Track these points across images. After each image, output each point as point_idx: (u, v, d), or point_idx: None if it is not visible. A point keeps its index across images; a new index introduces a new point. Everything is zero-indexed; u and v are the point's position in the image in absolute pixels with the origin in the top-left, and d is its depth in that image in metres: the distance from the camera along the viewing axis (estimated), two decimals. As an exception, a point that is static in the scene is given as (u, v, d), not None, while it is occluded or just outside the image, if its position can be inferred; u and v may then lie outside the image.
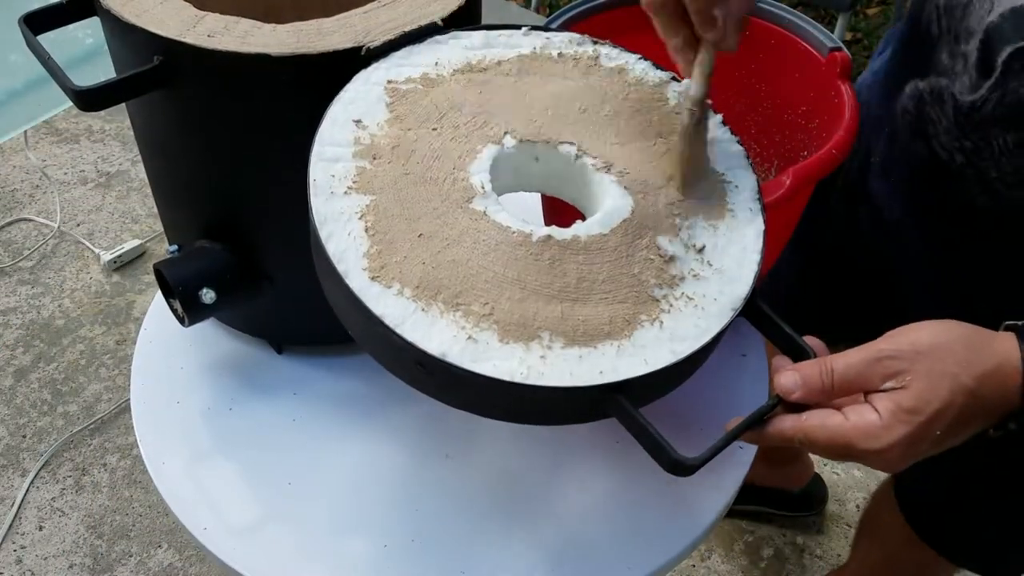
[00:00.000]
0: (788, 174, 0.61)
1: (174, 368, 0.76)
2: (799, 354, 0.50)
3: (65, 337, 1.71)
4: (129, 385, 0.75)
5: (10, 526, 1.41)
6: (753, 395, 0.74)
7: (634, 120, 0.58)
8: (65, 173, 2.08)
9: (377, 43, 0.58)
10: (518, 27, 0.62)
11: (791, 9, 0.77)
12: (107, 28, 0.62)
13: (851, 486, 1.48)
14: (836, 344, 0.51)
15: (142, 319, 0.80)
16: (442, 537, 0.64)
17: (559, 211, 0.66)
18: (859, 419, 0.46)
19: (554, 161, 0.56)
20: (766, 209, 0.55)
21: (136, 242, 1.86)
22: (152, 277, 1.74)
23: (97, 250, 1.85)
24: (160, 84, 0.59)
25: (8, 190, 2.02)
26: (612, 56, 0.62)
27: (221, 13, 0.59)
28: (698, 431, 0.62)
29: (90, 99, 0.58)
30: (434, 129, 0.55)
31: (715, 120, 0.59)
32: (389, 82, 0.57)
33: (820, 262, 0.92)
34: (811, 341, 0.51)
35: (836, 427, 0.46)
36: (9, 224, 1.94)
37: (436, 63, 0.59)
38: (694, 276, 0.51)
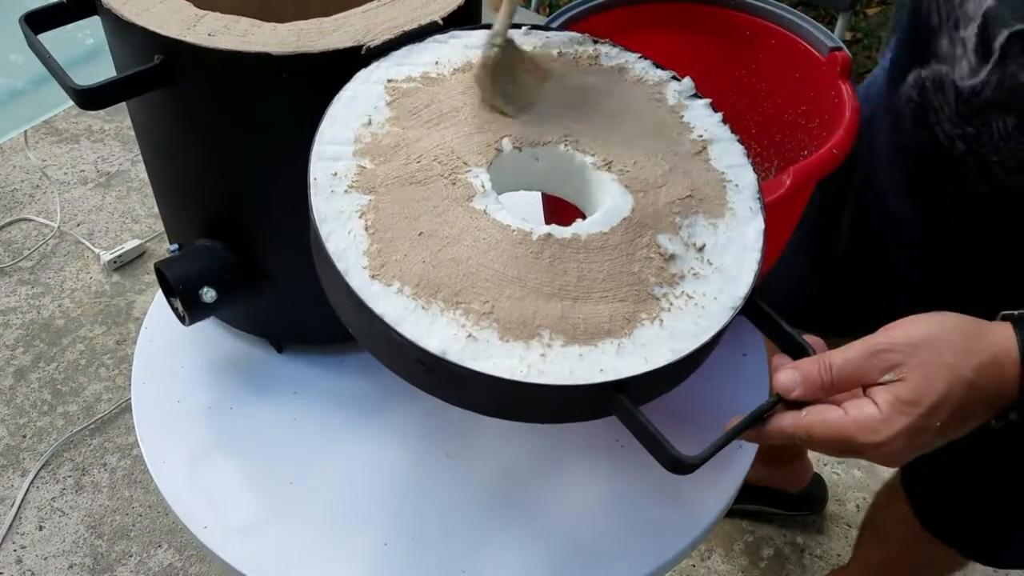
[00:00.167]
0: (788, 174, 0.62)
1: (175, 367, 0.76)
2: (799, 352, 0.50)
3: (65, 337, 1.71)
4: (129, 385, 0.75)
5: (10, 526, 1.41)
6: (753, 394, 0.74)
7: (634, 118, 0.58)
8: (65, 173, 2.08)
9: (377, 42, 0.58)
10: (518, 26, 0.62)
11: (791, 9, 0.77)
12: (107, 27, 0.62)
13: (851, 486, 1.48)
14: (839, 341, 0.51)
15: (142, 319, 0.80)
16: (443, 536, 0.64)
17: (559, 210, 0.66)
18: (858, 413, 0.46)
19: (554, 160, 0.56)
20: (766, 208, 0.55)
21: (136, 242, 1.86)
22: (152, 277, 1.74)
23: (97, 250, 1.85)
24: (160, 83, 0.59)
25: (8, 190, 2.02)
26: (612, 55, 0.62)
27: (221, 12, 0.59)
28: (698, 430, 0.62)
29: (91, 98, 0.58)
30: (434, 128, 0.55)
31: (715, 119, 0.59)
32: (389, 81, 0.57)
33: (823, 259, 0.92)
34: (811, 339, 0.51)
35: (835, 422, 0.46)
36: (9, 224, 1.94)
37: (436, 62, 0.59)
38: (694, 275, 0.51)
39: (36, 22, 0.63)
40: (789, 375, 0.48)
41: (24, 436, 1.54)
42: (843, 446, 0.47)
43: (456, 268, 0.49)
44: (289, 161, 0.55)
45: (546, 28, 0.63)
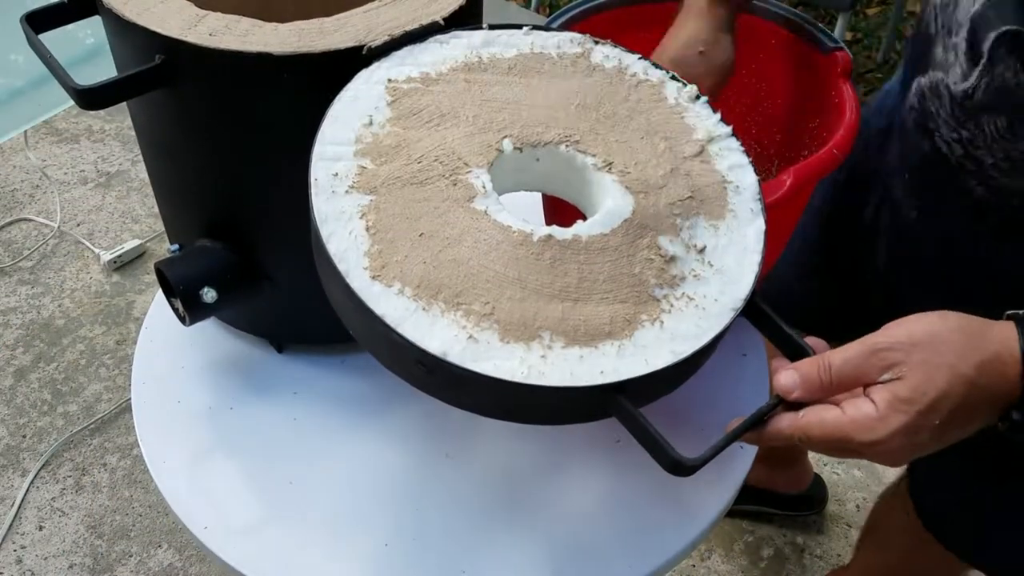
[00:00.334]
0: (788, 174, 0.62)
1: (175, 367, 0.76)
2: (799, 354, 0.50)
3: (65, 337, 1.71)
4: (129, 385, 0.75)
5: (10, 526, 1.41)
6: (753, 395, 0.74)
7: (634, 119, 0.58)
8: (65, 173, 2.08)
9: (378, 42, 0.58)
10: (519, 27, 0.62)
11: (791, 9, 0.77)
12: (108, 27, 0.62)
13: (851, 486, 1.48)
14: (840, 343, 0.51)
15: (142, 319, 0.80)
16: (443, 536, 0.64)
17: (560, 211, 0.66)
18: (855, 412, 0.46)
19: (555, 161, 0.56)
20: (767, 209, 0.56)
21: (136, 242, 1.86)
22: (152, 277, 1.74)
23: (97, 250, 1.85)
24: (161, 83, 0.59)
25: (8, 190, 2.02)
26: (612, 56, 0.62)
27: (222, 12, 0.59)
28: (698, 431, 0.62)
29: (91, 98, 0.58)
30: (435, 128, 0.55)
31: (715, 119, 0.59)
32: (390, 81, 0.57)
33: (825, 260, 0.92)
34: (812, 341, 0.51)
35: (832, 422, 0.46)
36: (9, 224, 1.94)
37: (437, 62, 0.59)
38: (695, 276, 0.51)
39: (37, 22, 0.63)
40: (788, 376, 0.48)
41: (24, 436, 1.54)
42: (841, 446, 0.47)
43: (457, 269, 0.49)
44: (290, 161, 0.55)
45: (546, 28, 0.63)
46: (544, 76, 0.59)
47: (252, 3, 0.71)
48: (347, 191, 0.51)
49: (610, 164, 0.55)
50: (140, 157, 0.74)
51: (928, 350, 0.46)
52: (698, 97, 0.60)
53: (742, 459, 0.68)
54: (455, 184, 0.52)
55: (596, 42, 0.62)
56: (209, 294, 0.65)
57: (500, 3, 2.64)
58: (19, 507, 1.43)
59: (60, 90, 0.59)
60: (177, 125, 0.64)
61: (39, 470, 1.48)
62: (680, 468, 0.45)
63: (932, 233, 0.73)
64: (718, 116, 0.60)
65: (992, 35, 0.57)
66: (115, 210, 1.98)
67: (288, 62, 0.55)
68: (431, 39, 0.60)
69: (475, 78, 0.58)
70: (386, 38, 0.58)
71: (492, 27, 0.61)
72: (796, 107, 0.79)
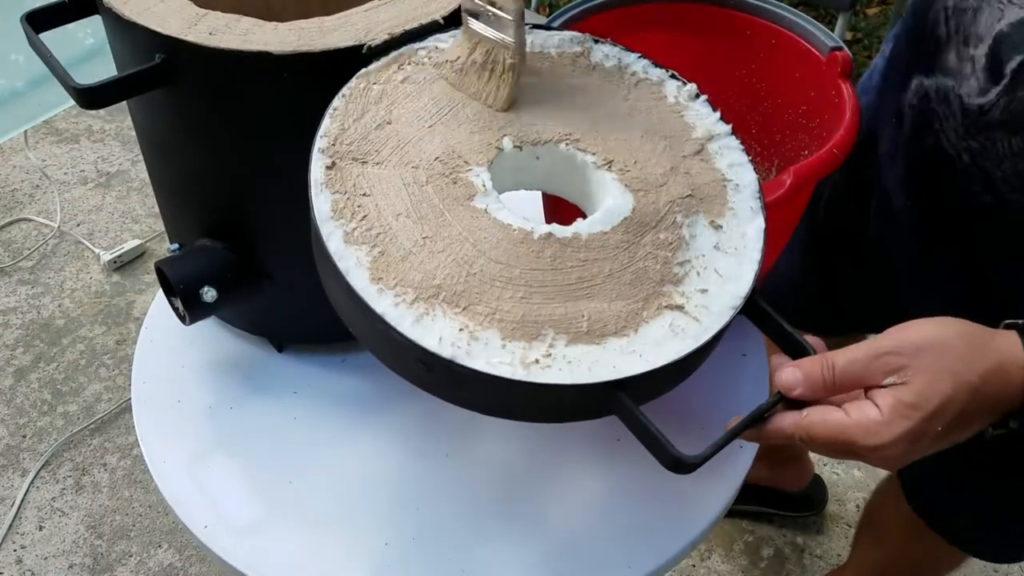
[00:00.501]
0: (788, 174, 0.62)
1: (175, 367, 0.76)
2: (799, 352, 0.50)
3: (65, 337, 1.71)
4: (129, 385, 0.75)
5: (10, 526, 1.41)
6: (753, 394, 0.74)
7: (634, 118, 0.58)
8: (65, 173, 2.08)
9: (378, 41, 0.58)
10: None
11: (791, 9, 0.77)
12: (108, 26, 0.62)
13: (851, 486, 1.48)
14: (839, 341, 0.51)
15: (142, 319, 0.80)
16: (443, 535, 0.64)
17: (560, 209, 0.66)
18: (860, 415, 0.46)
19: (555, 159, 0.56)
20: (766, 208, 0.56)
21: (136, 242, 1.86)
22: (152, 276, 1.74)
23: (97, 250, 1.85)
24: (161, 82, 0.59)
25: (8, 190, 2.02)
26: (612, 55, 0.62)
27: (222, 11, 0.59)
28: (699, 429, 0.62)
29: (92, 97, 0.58)
30: (435, 127, 0.55)
31: (715, 118, 0.59)
32: (390, 80, 0.57)
33: (825, 257, 0.92)
34: (811, 340, 0.51)
35: (836, 423, 0.46)
36: (9, 224, 1.94)
37: (437, 61, 0.59)
38: (695, 274, 0.51)
39: (37, 21, 0.63)
40: (791, 373, 0.48)
41: (24, 436, 1.54)
42: (843, 448, 0.47)
43: (457, 267, 0.49)
44: (290, 160, 0.55)
45: (546, 28, 0.63)
46: (544, 75, 0.59)
47: (252, 3, 0.71)
48: (347, 190, 0.51)
49: (610, 162, 0.55)
50: (140, 157, 0.74)
51: (933, 356, 0.46)
52: (698, 95, 0.61)
53: (742, 458, 0.68)
54: (455, 182, 0.52)
55: (596, 41, 0.62)
56: (209, 293, 0.65)
57: (500, 3, 2.63)
58: (19, 507, 1.43)
59: (60, 90, 0.59)
60: (177, 124, 0.64)
61: (39, 470, 1.48)
62: (680, 466, 0.45)
63: (925, 227, 0.72)
64: (718, 115, 0.60)
65: (1018, 58, 0.56)
66: (115, 210, 1.98)
67: (288, 61, 0.56)
68: (431, 38, 0.60)
69: (475, 77, 0.58)
70: (386, 37, 0.58)
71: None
72: (796, 107, 0.79)
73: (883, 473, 1.46)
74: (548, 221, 0.53)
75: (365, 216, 0.50)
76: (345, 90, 0.56)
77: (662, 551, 0.63)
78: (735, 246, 0.53)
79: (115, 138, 2.19)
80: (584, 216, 0.54)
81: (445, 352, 0.46)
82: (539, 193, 0.73)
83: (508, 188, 0.56)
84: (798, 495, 1.41)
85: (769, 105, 0.82)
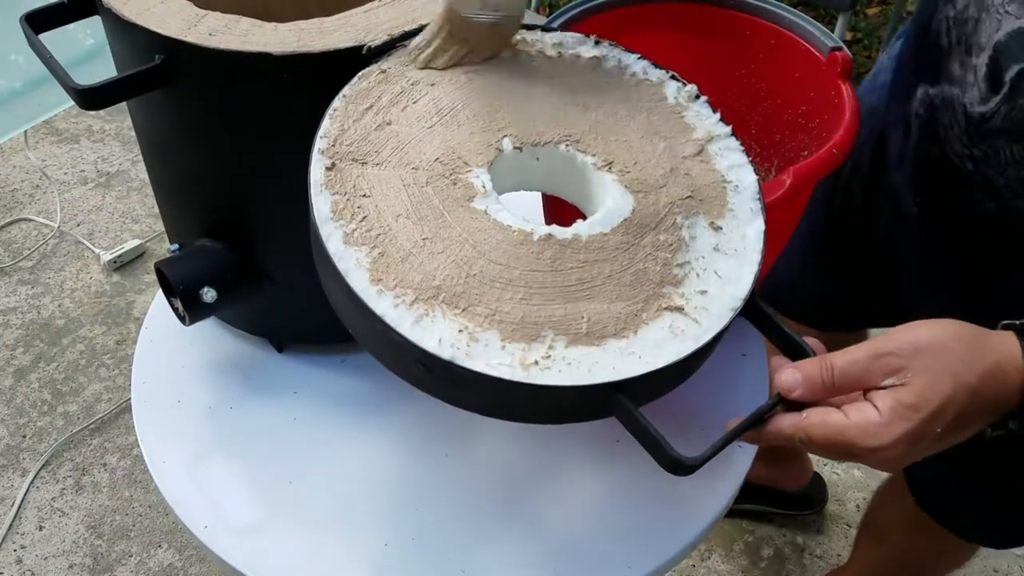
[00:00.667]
0: (788, 174, 0.62)
1: (175, 367, 0.76)
2: (799, 353, 0.50)
3: (65, 337, 1.71)
4: (129, 385, 0.75)
5: (10, 526, 1.41)
6: (753, 395, 0.74)
7: (634, 119, 0.58)
8: (65, 173, 2.08)
9: (378, 42, 0.58)
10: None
11: (791, 9, 0.77)
12: (108, 27, 0.62)
13: (851, 486, 1.48)
14: (839, 338, 0.51)
15: (142, 319, 0.80)
16: (442, 536, 0.64)
17: (560, 210, 0.66)
18: (859, 417, 0.46)
19: (554, 160, 0.56)
20: (766, 209, 0.55)
21: (136, 242, 1.86)
22: (152, 277, 1.74)
23: (97, 250, 1.85)
24: (161, 83, 0.59)
25: (8, 190, 2.02)
26: (612, 55, 0.62)
27: (222, 12, 0.59)
28: (698, 431, 0.62)
29: (91, 98, 0.58)
30: (435, 128, 0.55)
31: (715, 119, 0.59)
32: (390, 81, 0.57)
33: (828, 254, 0.93)
34: (811, 342, 0.51)
35: (836, 425, 0.46)
36: (9, 224, 1.94)
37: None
38: (694, 276, 0.51)
39: (37, 22, 0.63)
40: (790, 375, 0.48)
41: (24, 436, 1.54)
42: (842, 449, 0.47)
43: (457, 269, 0.49)
44: (290, 161, 0.55)
45: (546, 28, 0.63)
46: (543, 76, 0.59)
47: (252, 3, 0.71)
48: (347, 191, 0.51)
49: (610, 163, 0.55)
50: (140, 157, 0.74)
51: (932, 357, 0.46)
52: (698, 96, 0.61)
53: (742, 459, 0.68)
54: (455, 183, 0.52)
55: (596, 42, 0.62)
56: (209, 294, 0.65)
57: (500, 3, 2.63)
58: (19, 507, 1.43)
59: (60, 90, 0.59)
60: (177, 125, 0.64)
61: (39, 470, 1.48)
62: (680, 467, 0.45)
63: (936, 229, 0.73)
64: (718, 116, 0.60)
65: (1016, 67, 0.57)
66: (115, 210, 1.98)
67: (288, 62, 0.56)
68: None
69: (475, 78, 0.58)
70: (385, 38, 0.58)
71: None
72: (796, 107, 0.79)
73: (883, 473, 1.46)
74: (548, 222, 0.53)
75: (365, 217, 0.50)
76: (345, 91, 0.56)
77: (662, 551, 0.63)
78: (735, 247, 0.53)
79: (115, 138, 2.19)
80: (584, 217, 0.54)
81: (445, 353, 0.46)
82: (539, 194, 0.73)
83: (508, 189, 0.56)
84: (798, 494, 1.41)
85: (769, 105, 0.82)
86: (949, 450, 0.49)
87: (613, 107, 0.58)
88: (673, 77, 0.61)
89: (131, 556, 1.38)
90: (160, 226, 1.91)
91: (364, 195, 0.51)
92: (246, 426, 0.71)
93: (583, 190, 0.57)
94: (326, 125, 0.54)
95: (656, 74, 0.62)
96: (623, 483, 0.67)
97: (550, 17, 0.75)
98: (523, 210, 0.53)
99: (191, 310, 0.66)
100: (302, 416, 0.72)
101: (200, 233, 0.70)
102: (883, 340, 0.47)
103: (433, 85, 0.57)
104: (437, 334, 0.46)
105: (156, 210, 1.93)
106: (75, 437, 1.53)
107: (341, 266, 0.48)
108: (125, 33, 0.59)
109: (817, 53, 0.74)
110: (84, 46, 1.45)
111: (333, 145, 0.53)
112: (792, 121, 0.80)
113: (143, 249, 1.87)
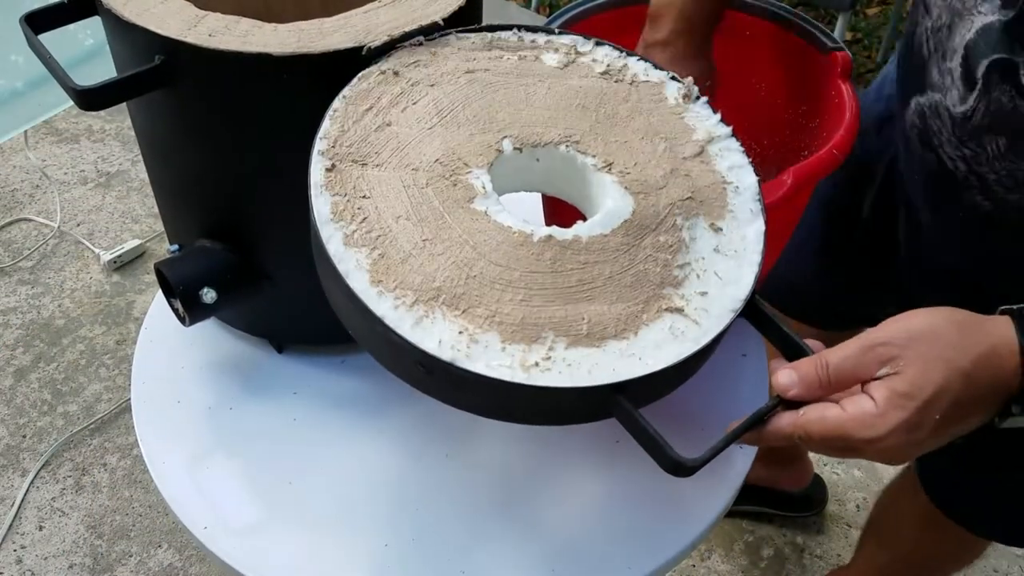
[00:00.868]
0: (788, 174, 0.62)
1: (175, 367, 0.76)
2: (798, 354, 0.50)
3: (65, 337, 1.71)
4: (129, 385, 0.75)
5: (10, 526, 1.41)
6: (753, 395, 0.74)
7: (634, 120, 0.58)
8: (65, 173, 2.08)
9: (378, 43, 0.58)
10: (519, 27, 0.62)
11: (791, 9, 0.77)
12: (108, 27, 0.62)
13: (851, 486, 1.48)
14: (841, 336, 0.51)
15: (142, 319, 0.80)
16: (442, 536, 0.64)
17: (559, 211, 0.66)
18: (855, 409, 0.46)
19: (555, 161, 0.56)
20: (766, 209, 0.55)
21: (136, 242, 1.86)
22: (152, 277, 1.74)
23: (97, 250, 1.85)
24: (161, 83, 0.59)
25: (8, 190, 2.02)
26: (612, 56, 0.62)
27: (222, 12, 0.59)
28: (698, 431, 0.62)
29: (91, 98, 0.58)
30: (435, 129, 0.55)
31: (715, 119, 0.59)
32: (390, 82, 0.57)
33: (830, 252, 0.93)
34: (811, 343, 0.51)
35: (832, 419, 0.46)
36: (9, 224, 1.94)
37: (437, 63, 0.59)
38: (694, 277, 0.51)
39: (36, 22, 0.63)
40: (786, 375, 0.48)
41: (24, 436, 1.54)
42: (840, 443, 0.47)
43: (457, 270, 0.49)
44: (290, 162, 0.55)
45: (546, 28, 0.63)
46: (543, 77, 0.59)
47: (252, 4, 0.71)
48: (347, 192, 0.51)
49: (610, 164, 0.55)
50: (140, 157, 0.74)
51: (924, 344, 0.46)
52: (698, 97, 0.60)
53: (742, 459, 0.68)
54: (455, 185, 0.52)
55: (596, 43, 0.62)
56: (209, 294, 0.65)
57: (500, 3, 2.64)
58: (19, 507, 1.43)
59: (60, 90, 0.59)
60: (177, 126, 0.64)
61: (39, 470, 1.48)
62: (680, 469, 0.45)
63: (942, 230, 0.73)
64: (718, 116, 0.60)
65: (984, 62, 0.58)
66: (115, 210, 1.98)
67: (288, 63, 0.55)
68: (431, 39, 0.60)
69: (475, 79, 0.58)
70: (385, 38, 0.58)
71: (492, 28, 0.61)
72: (796, 107, 0.79)
73: (885, 473, 1.46)
74: (548, 223, 0.53)
75: (365, 218, 0.50)
76: (345, 92, 0.56)
77: (662, 552, 0.63)
78: (735, 249, 0.53)
79: (115, 138, 2.19)
80: (584, 218, 0.54)
81: (445, 355, 0.46)
82: (539, 195, 0.73)
83: (508, 190, 0.56)
84: (798, 495, 1.41)
85: (769, 105, 0.82)
86: (962, 444, 0.49)
87: (613, 108, 0.58)
88: (673, 78, 0.61)
89: (131, 556, 1.38)
90: (160, 226, 1.91)
91: (364, 196, 0.51)
92: (246, 427, 0.71)
93: (583, 191, 0.57)
94: (326, 126, 0.54)
95: (656, 75, 0.62)
96: (623, 484, 0.67)
97: (550, 17, 0.75)
98: (523, 211, 0.53)
99: (191, 311, 0.66)
100: (302, 417, 0.72)
101: (200, 234, 0.69)
102: (876, 331, 0.47)
103: (433, 86, 0.57)
104: (437, 335, 0.46)
105: (156, 210, 1.93)
106: (75, 437, 1.53)
107: (341, 267, 0.48)
108: (125, 34, 0.59)
109: (817, 53, 0.74)
110: (84, 46, 1.45)
111: (333, 146, 0.53)
112: (792, 121, 0.80)
113: (143, 249, 1.87)
